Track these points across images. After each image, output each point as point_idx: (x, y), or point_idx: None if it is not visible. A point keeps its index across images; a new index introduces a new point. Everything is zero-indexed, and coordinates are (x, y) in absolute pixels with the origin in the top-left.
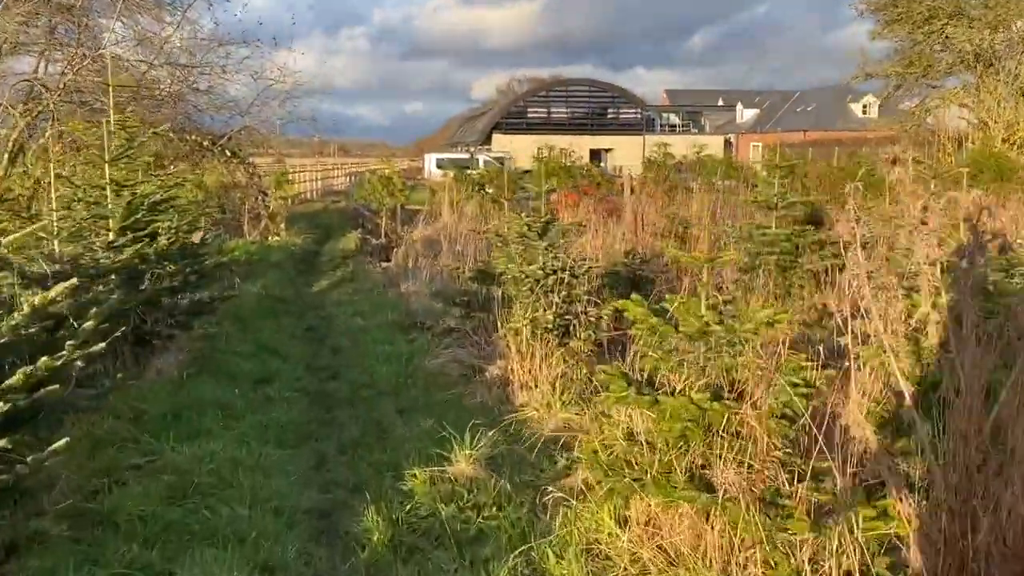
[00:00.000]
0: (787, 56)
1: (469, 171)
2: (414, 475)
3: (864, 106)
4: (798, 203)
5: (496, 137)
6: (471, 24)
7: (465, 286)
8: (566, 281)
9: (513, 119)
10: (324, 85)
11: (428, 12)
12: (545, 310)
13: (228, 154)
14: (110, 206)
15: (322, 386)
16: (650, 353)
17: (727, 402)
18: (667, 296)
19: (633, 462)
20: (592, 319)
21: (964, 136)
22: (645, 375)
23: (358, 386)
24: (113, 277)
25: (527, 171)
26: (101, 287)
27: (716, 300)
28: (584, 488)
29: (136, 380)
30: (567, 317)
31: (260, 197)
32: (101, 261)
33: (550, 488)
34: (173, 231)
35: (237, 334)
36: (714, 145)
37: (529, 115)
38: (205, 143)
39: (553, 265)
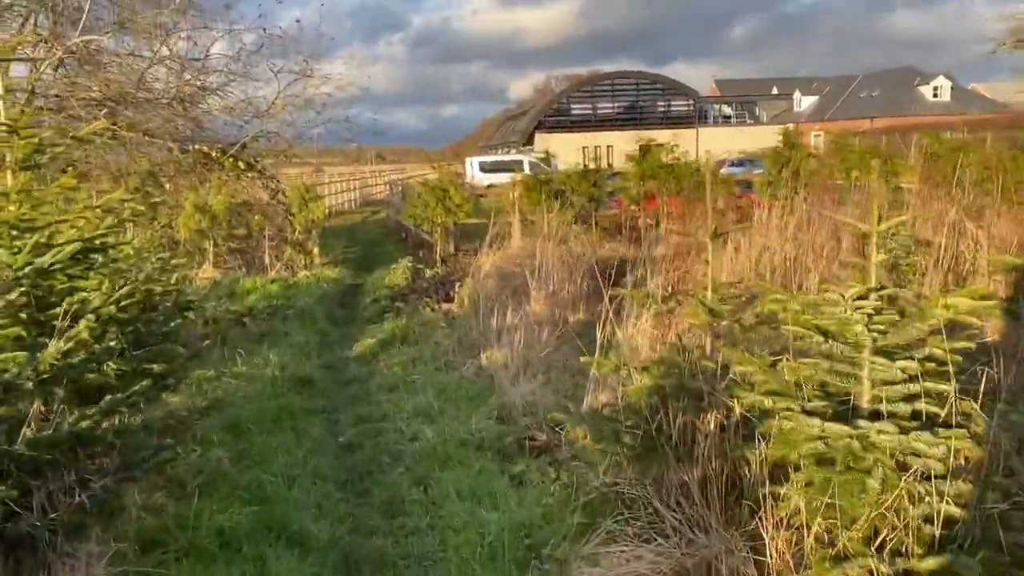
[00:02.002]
0: (833, 42)
1: (514, 175)
2: None
3: (935, 88)
4: None
5: (539, 136)
6: (509, 25)
7: (626, 396)
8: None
9: (556, 117)
10: (359, 88)
11: (466, 15)
12: (903, 519)
13: (242, 166)
14: None
15: None
16: None
17: None
18: None
19: None
20: None
21: None
22: None
23: None
24: None
25: (615, 172)
26: None
27: None
28: None
29: None
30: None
31: (286, 218)
32: None
33: None
34: (93, 314)
35: (225, 478)
36: (774, 136)
37: (573, 112)
38: (214, 154)
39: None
